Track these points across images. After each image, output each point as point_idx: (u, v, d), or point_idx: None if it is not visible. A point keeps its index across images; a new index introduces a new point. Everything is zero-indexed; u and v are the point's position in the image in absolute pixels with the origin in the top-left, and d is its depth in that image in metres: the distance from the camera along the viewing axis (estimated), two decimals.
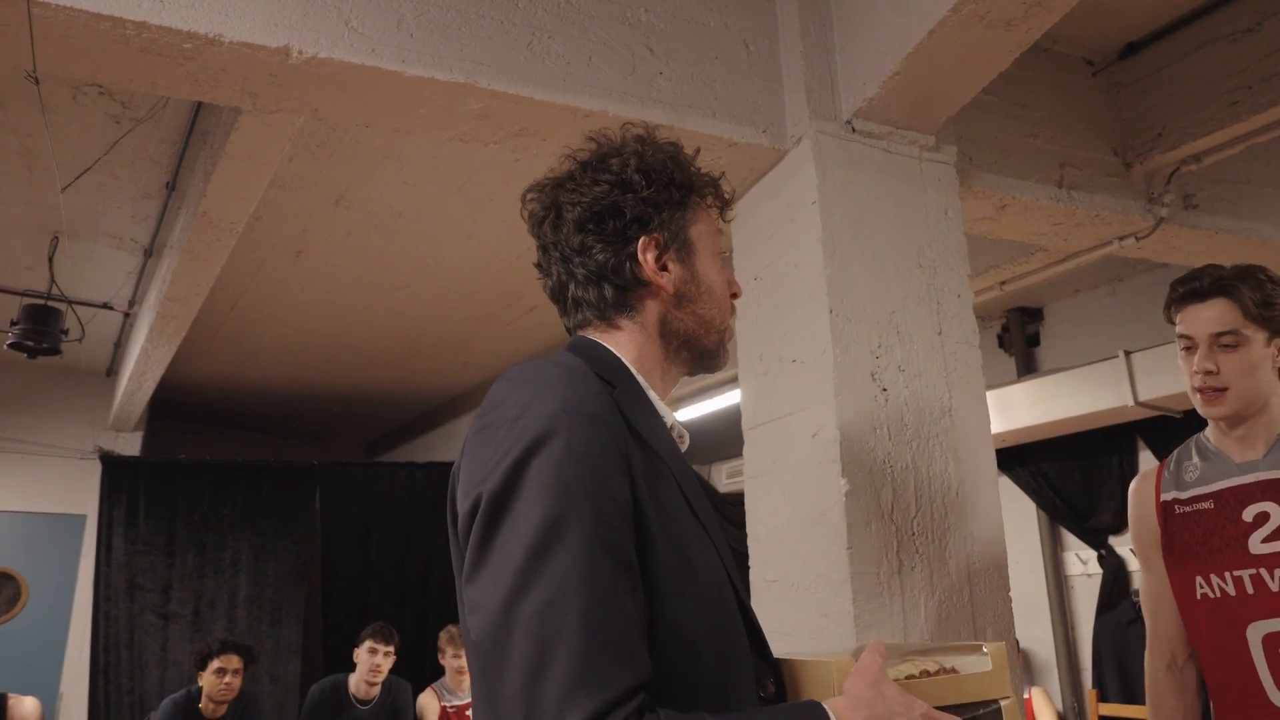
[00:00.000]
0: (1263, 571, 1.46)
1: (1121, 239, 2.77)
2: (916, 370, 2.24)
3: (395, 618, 5.36)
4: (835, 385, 2.16)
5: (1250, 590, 1.45)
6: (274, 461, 6.06)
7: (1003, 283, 3.11)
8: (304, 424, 7.67)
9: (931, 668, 0.94)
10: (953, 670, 0.95)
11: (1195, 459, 1.62)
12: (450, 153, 3.27)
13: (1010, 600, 2.13)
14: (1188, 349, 1.55)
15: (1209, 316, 1.51)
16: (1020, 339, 4.35)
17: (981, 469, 2.20)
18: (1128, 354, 3.74)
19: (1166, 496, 1.61)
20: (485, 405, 0.95)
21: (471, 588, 0.86)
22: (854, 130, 2.28)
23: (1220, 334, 1.50)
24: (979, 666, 0.95)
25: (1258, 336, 1.51)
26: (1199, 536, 1.53)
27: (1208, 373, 1.50)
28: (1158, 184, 2.77)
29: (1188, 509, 1.57)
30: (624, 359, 1.07)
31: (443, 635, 4.54)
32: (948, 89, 2.19)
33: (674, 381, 1.15)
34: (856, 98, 2.24)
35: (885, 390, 2.20)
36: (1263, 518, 1.49)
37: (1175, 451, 1.67)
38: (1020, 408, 4.06)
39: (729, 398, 4.86)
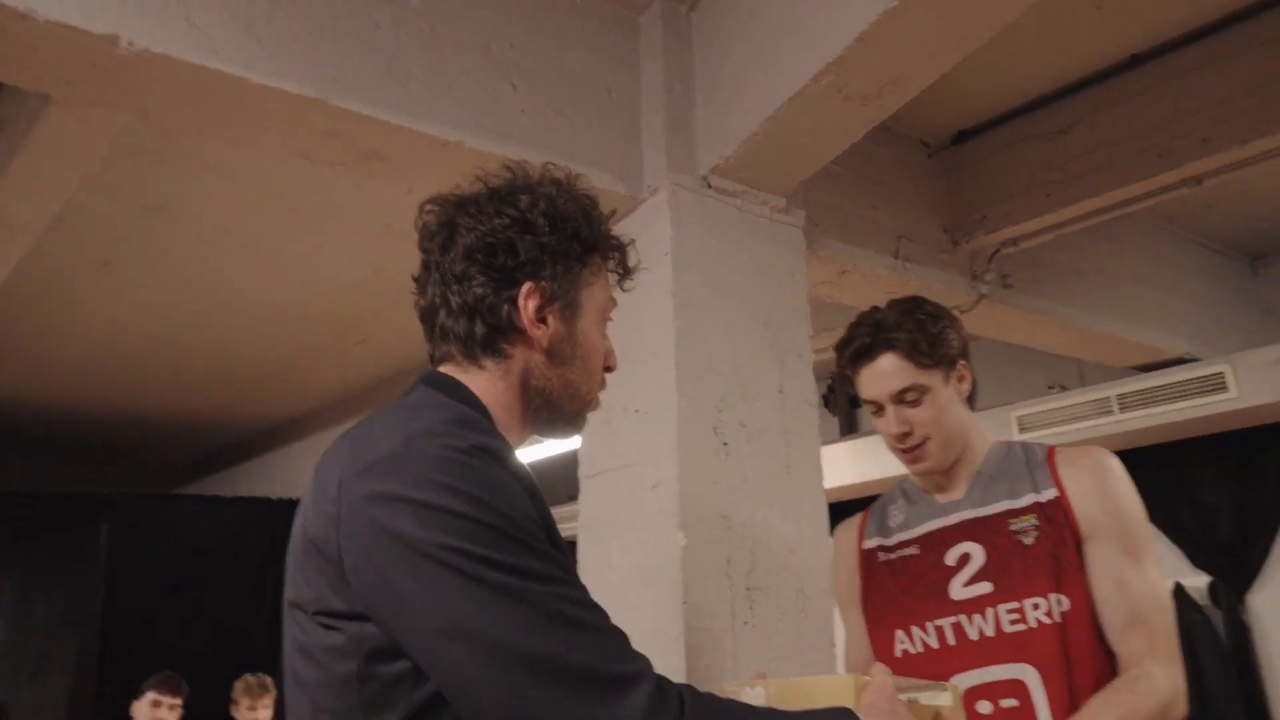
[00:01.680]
0: (963, 619, 1.38)
1: None
2: (758, 426, 2.27)
3: (187, 669, 4.92)
4: (678, 438, 2.15)
5: (951, 641, 1.37)
6: (51, 491, 5.47)
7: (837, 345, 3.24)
8: (96, 451, 7.02)
9: (905, 698, 0.99)
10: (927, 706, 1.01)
11: (901, 503, 1.56)
12: (290, 171, 3.10)
13: (836, 656, 2.16)
14: (876, 412, 1.48)
15: (885, 374, 1.43)
16: (844, 399, 4.55)
17: (817, 525, 2.23)
18: None
19: (869, 544, 1.55)
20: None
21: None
22: (710, 186, 2.31)
23: (901, 392, 1.44)
24: (944, 701, 1.01)
25: (936, 379, 1.45)
26: (904, 584, 1.46)
27: (904, 434, 1.45)
28: (980, 263, 2.96)
29: (892, 555, 1.51)
30: (483, 402, 1.01)
31: (238, 685, 4.20)
32: (801, 155, 2.25)
33: (523, 440, 1.10)
34: (714, 155, 2.27)
35: (726, 445, 2.21)
36: (964, 560, 1.42)
37: (881, 497, 1.60)
38: (844, 464, 4.21)
39: (552, 444, 4.80)
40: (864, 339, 1.47)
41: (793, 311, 2.42)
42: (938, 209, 2.94)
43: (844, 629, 1.62)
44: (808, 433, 2.35)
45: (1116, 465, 1.42)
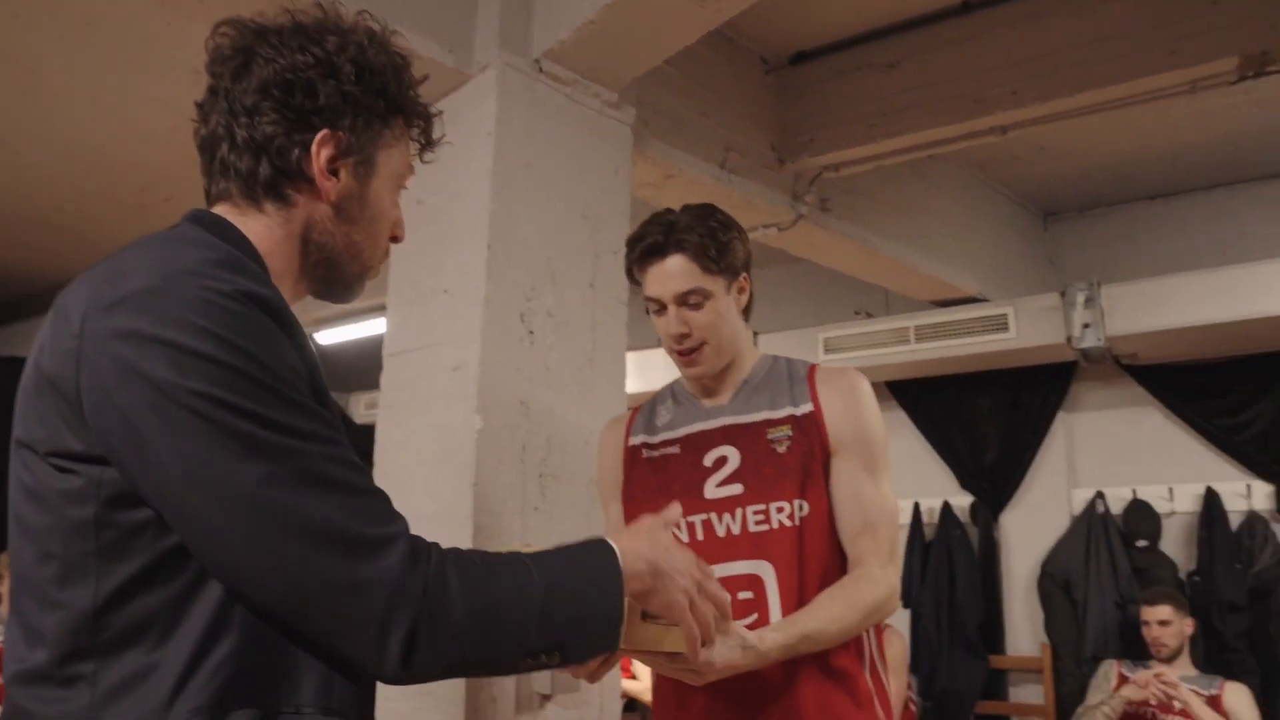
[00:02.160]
0: (713, 517, 1.44)
1: (766, 227, 3.01)
2: (565, 317, 2.28)
3: None
4: (483, 321, 2.14)
5: (701, 537, 1.43)
6: None
7: (628, 240, 3.29)
8: None
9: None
10: None
11: (669, 404, 1.59)
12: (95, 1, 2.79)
13: None
14: (658, 311, 1.50)
15: (672, 274, 1.44)
16: None
17: None
18: (755, 335, 4.12)
19: (634, 441, 1.57)
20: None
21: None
22: (541, 70, 2.26)
23: (685, 294, 1.45)
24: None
25: (719, 286, 1.47)
26: (662, 481, 1.49)
27: (682, 335, 1.47)
28: (802, 184, 3.05)
29: (655, 453, 1.55)
30: (258, 249, 0.96)
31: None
32: (638, 48, 2.23)
33: (296, 297, 1.04)
34: (550, 38, 2.21)
35: (533, 333, 2.22)
36: (721, 462, 1.47)
37: (653, 397, 1.63)
38: (657, 371, 4.33)
39: (375, 325, 4.68)
40: (656, 237, 1.47)
41: (613, 209, 2.42)
42: (768, 126, 3.00)
43: (605, 520, 1.68)
44: (615, 329, 2.39)
45: (867, 388, 1.51)
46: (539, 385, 2.21)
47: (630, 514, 1.57)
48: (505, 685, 2.04)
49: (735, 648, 1.23)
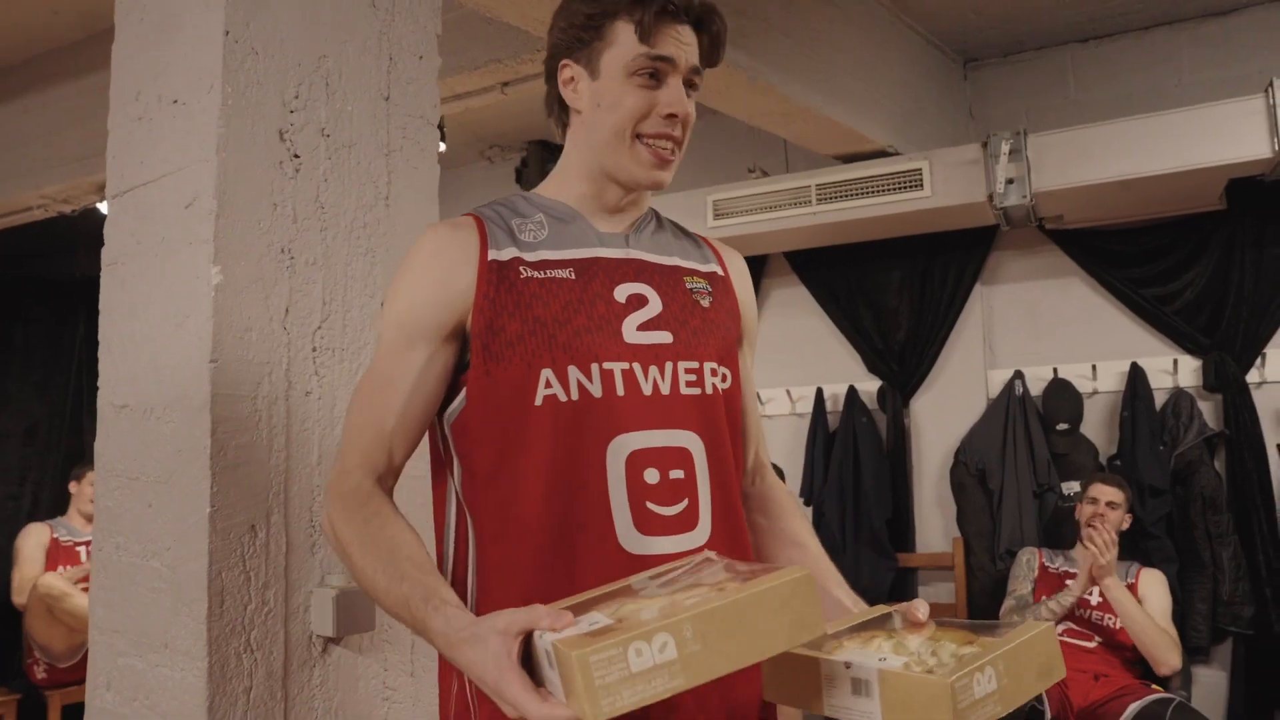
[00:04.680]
0: (637, 368, 1.08)
1: None
2: (347, 139, 1.69)
3: None
4: (221, 138, 1.54)
5: (620, 391, 1.06)
6: None
7: (505, 84, 2.67)
8: None
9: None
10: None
11: (540, 218, 1.15)
12: None
13: None
14: (650, 76, 1.10)
15: (695, 44, 1.11)
16: (539, 177, 4.04)
17: None
18: None
19: (502, 255, 1.09)
20: None
21: None
22: None
23: (695, 71, 1.11)
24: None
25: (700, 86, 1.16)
26: (556, 312, 1.08)
27: (676, 118, 1.10)
28: None
29: (539, 274, 1.11)
30: None
31: None
32: None
33: None
34: None
35: (298, 158, 1.63)
36: (638, 301, 1.12)
37: (487, 206, 1.17)
38: None
39: None
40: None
41: None
42: None
43: (393, 356, 1.10)
44: (422, 160, 1.81)
45: None
46: (308, 228, 1.64)
47: (495, 352, 1.06)
48: (268, 630, 1.52)
49: None
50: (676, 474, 1.07)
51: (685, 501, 1.06)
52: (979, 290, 3.75)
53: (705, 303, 1.16)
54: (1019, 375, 3.61)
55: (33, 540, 3.65)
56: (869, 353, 3.90)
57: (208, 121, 1.57)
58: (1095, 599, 2.92)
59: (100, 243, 1.78)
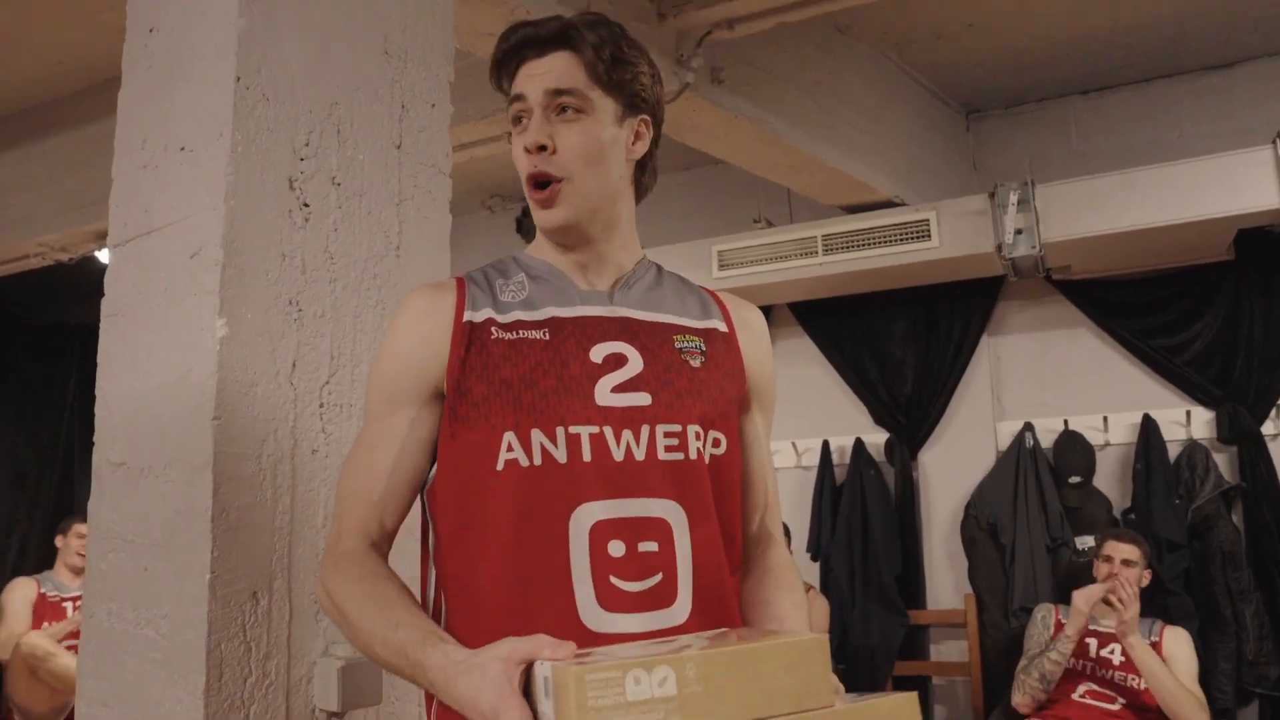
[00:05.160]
0: (608, 432, 1.02)
1: None
2: (358, 188, 1.65)
3: None
4: (230, 186, 1.49)
5: (587, 457, 1.01)
6: None
7: (510, 133, 2.65)
8: None
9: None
10: None
11: (521, 278, 1.12)
12: None
13: None
14: (519, 117, 1.08)
15: (548, 70, 1.06)
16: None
17: None
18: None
19: (477, 316, 1.07)
20: None
21: None
22: None
23: (559, 92, 1.05)
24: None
25: (605, 105, 1.08)
26: (524, 373, 1.03)
27: (540, 147, 1.05)
28: (688, 45, 2.45)
29: (510, 335, 1.07)
30: None
31: None
32: None
33: None
34: None
35: (308, 206, 1.58)
36: (616, 361, 1.06)
37: (480, 268, 1.17)
38: None
39: None
40: (537, 29, 1.07)
41: (430, 45, 1.79)
42: None
43: (379, 423, 1.07)
44: (433, 209, 1.77)
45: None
46: (318, 278, 1.58)
47: (462, 415, 1.03)
48: (269, 704, 1.43)
49: None
50: (648, 546, 1.00)
51: (658, 576, 1.00)
52: (986, 341, 3.71)
53: (696, 362, 1.11)
54: (1029, 427, 3.55)
55: (19, 595, 3.55)
56: (875, 404, 3.85)
57: (216, 169, 1.52)
58: (1118, 659, 2.83)
59: (96, 290, 1.72)
